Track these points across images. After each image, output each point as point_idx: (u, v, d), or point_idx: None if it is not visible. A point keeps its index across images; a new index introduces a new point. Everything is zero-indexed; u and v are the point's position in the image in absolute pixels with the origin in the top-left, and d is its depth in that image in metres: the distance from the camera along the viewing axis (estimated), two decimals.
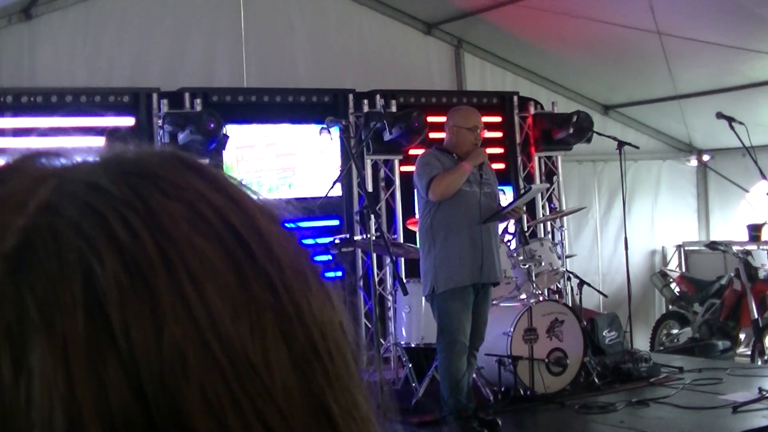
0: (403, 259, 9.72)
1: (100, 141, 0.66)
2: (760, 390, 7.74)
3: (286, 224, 0.65)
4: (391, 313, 9.23)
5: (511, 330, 8.11)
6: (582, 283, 9.34)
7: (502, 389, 8.12)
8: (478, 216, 7.28)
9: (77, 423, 0.52)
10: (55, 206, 0.56)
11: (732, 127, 8.00)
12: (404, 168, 10.31)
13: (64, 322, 0.53)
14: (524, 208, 8.38)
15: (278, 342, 0.58)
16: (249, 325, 0.56)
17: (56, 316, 0.53)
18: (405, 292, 7.42)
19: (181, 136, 8.95)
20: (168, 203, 0.58)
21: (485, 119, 10.90)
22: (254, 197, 0.64)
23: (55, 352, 0.53)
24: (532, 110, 11.51)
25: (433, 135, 9.60)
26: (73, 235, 0.55)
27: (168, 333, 0.54)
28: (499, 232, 8.92)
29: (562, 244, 10.76)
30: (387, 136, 9.94)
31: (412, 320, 8.66)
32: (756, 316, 10.14)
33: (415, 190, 7.63)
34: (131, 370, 0.53)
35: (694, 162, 13.47)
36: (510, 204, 7.87)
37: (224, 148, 9.23)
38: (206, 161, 0.66)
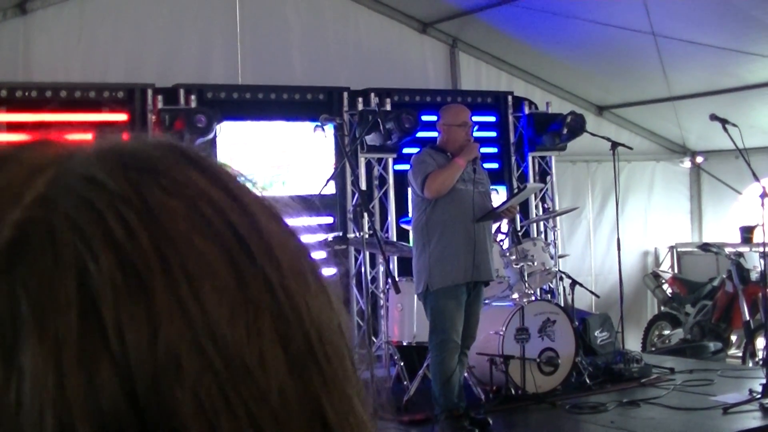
0: (395, 258, 9.73)
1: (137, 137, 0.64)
2: (751, 391, 7.77)
3: (287, 222, 0.64)
4: (383, 311, 9.23)
5: (503, 329, 8.13)
6: (574, 283, 9.36)
7: (494, 388, 8.14)
8: (472, 214, 7.30)
9: (67, 425, 0.51)
10: (51, 200, 0.55)
11: (725, 129, 8.01)
12: (398, 166, 10.32)
13: (57, 322, 0.52)
14: (518, 208, 8.38)
15: (275, 345, 0.56)
16: (246, 328, 0.55)
17: (49, 316, 0.52)
18: (397, 291, 7.43)
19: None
20: (167, 200, 0.56)
21: (479, 119, 10.98)
22: (255, 193, 0.63)
23: (47, 353, 0.51)
24: (526, 110, 11.52)
25: (428, 134, 9.59)
26: (68, 232, 0.54)
27: (162, 335, 0.53)
28: (492, 231, 8.95)
29: (555, 244, 10.78)
30: (379, 139, 9.93)
31: (405, 319, 8.67)
32: (748, 318, 10.17)
33: (410, 189, 7.63)
34: (124, 372, 0.52)
35: (687, 163, 13.50)
36: (504, 202, 7.88)
37: (220, 121, 9.19)
38: (206, 153, 0.64)
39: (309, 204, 8.53)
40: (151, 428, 0.52)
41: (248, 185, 0.63)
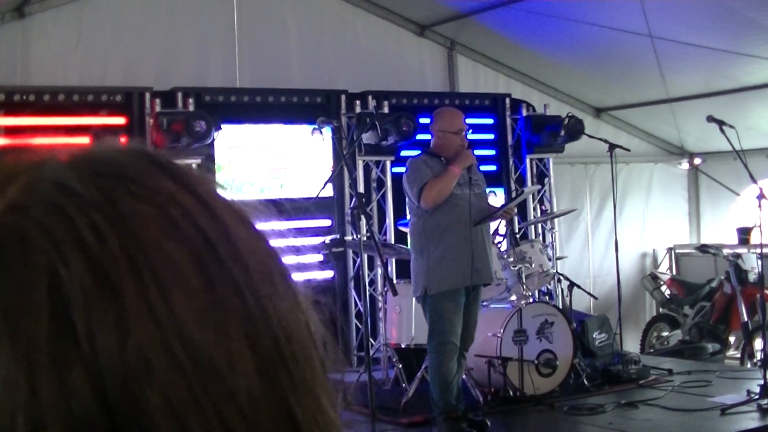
0: (393, 260, 9.73)
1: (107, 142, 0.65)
2: (749, 392, 7.78)
3: (257, 226, 0.64)
4: (381, 314, 9.24)
5: (501, 331, 8.13)
6: (572, 285, 9.35)
7: (492, 390, 8.13)
8: (469, 218, 7.29)
9: (39, 427, 0.51)
10: (23, 206, 0.56)
11: (722, 131, 8.01)
12: (396, 169, 10.32)
13: (28, 326, 0.52)
14: (515, 209, 8.38)
15: (243, 346, 0.57)
16: (214, 330, 0.56)
17: (21, 320, 0.53)
18: (394, 293, 7.42)
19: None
20: (137, 206, 0.57)
21: (477, 121, 11.02)
22: (225, 197, 0.63)
23: (19, 357, 0.52)
24: (524, 112, 11.53)
25: (427, 136, 9.59)
26: (40, 238, 0.54)
27: (132, 338, 0.53)
28: (491, 233, 8.96)
29: (553, 245, 10.78)
30: (375, 138, 9.95)
31: (403, 321, 8.68)
32: (746, 319, 10.17)
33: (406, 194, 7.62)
34: (95, 375, 0.52)
35: (685, 165, 13.50)
36: (501, 206, 7.87)
37: (219, 128, 9.18)
38: (180, 160, 0.65)
39: (302, 207, 8.55)
40: (122, 429, 0.53)
41: (218, 189, 0.64)
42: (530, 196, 11.33)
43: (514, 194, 11.35)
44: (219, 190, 0.64)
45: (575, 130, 10.79)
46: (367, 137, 9.91)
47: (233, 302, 0.58)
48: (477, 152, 10.14)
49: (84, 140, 0.68)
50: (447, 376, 7.22)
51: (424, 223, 7.32)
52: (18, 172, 0.59)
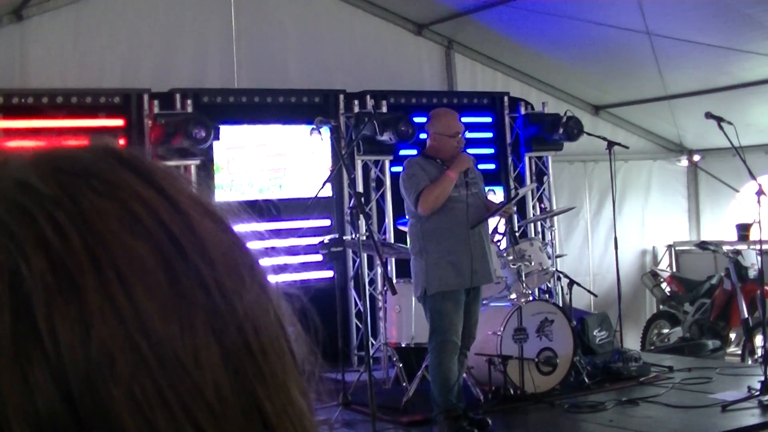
0: (393, 259, 9.73)
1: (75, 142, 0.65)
2: (749, 389, 7.77)
3: (232, 224, 0.64)
4: (381, 313, 9.24)
5: (501, 329, 8.13)
6: (572, 282, 9.35)
7: (492, 389, 8.13)
8: (466, 220, 7.28)
9: (3, 425, 0.51)
10: None
11: (721, 127, 8.01)
12: (395, 168, 10.31)
13: None
14: (514, 208, 8.37)
15: (209, 340, 0.57)
16: (179, 324, 0.56)
17: None
18: (394, 292, 7.42)
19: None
20: (99, 201, 0.57)
21: (475, 119, 11.02)
22: (192, 192, 0.63)
23: None
24: (522, 111, 11.53)
25: (423, 136, 9.59)
26: (0, 236, 0.54)
27: (95, 334, 0.53)
28: (490, 231, 8.95)
29: (552, 244, 10.79)
30: (378, 137, 9.95)
31: (403, 320, 8.68)
32: (746, 316, 10.17)
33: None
34: (58, 372, 0.52)
35: (684, 162, 13.51)
36: (499, 207, 7.81)
37: (217, 138, 9.19)
38: (142, 154, 0.64)
39: (301, 207, 8.54)
40: (87, 426, 0.52)
41: (183, 184, 0.63)
42: (529, 194, 11.33)
43: (512, 194, 11.36)
44: (184, 185, 0.63)
45: (574, 131, 10.79)
46: (366, 131, 9.88)
47: (198, 296, 0.57)
48: (475, 151, 10.20)
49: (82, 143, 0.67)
50: (448, 375, 7.21)
51: (422, 225, 7.31)
52: None
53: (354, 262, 10.16)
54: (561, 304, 9.34)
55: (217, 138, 9.15)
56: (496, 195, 11.04)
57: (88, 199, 0.57)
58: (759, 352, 9.85)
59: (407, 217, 7.66)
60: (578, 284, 9.42)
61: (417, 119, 10.26)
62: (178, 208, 0.60)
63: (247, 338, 0.59)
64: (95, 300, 0.54)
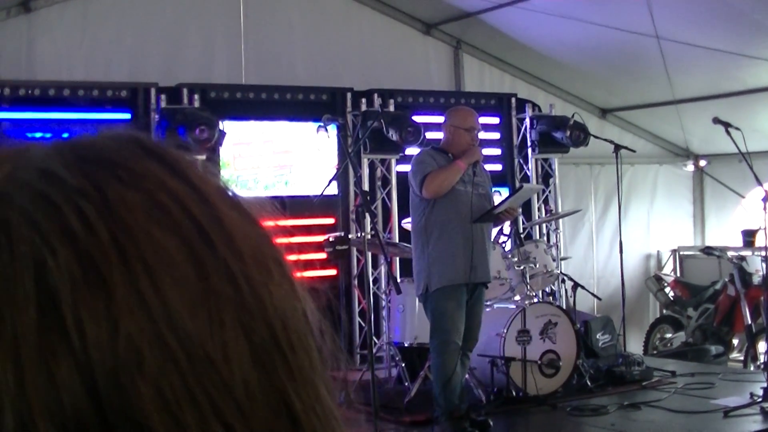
0: (397, 259, 9.73)
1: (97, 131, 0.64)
2: (752, 395, 7.77)
3: (255, 215, 0.63)
4: (385, 312, 9.23)
5: (505, 331, 8.12)
6: (576, 285, 9.33)
7: (495, 390, 8.13)
8: (470, 215, 7.27)
9: (28, 422, 0.50)
10: (6, 195, 0.55)
11: (728, 133, 7.99)
12: (401, 167, 10.32)
13: (15, 319, 0.51)
14: (519, 210, 8.33)
15: (238, 335, 0.56)
16: (208, 319, 0.55)
17: (7, 312, 0.51)
18: (398, 291, 7.42)
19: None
20: (125, 192, 0.56)
21: (483, 120, 10.94)
22: (217, 183, 0.62)
23: (6, 350, 0.51)
24: (529, 112, 11.51)
25: (431, 135, 9.59)
26: (25, 227, 0.53)
27: (123, 329, 0.52)
28: (494, 233, 8.94)
29: (557, 246, 10.77)
30: (385, 135, 9.95)
31: (406, 320, 8.67)
32: (750, 322, 10.14)
33: (410, 189, 7.61)
34: (84, 367, 0.51)
35: (690, 167, 13.49)
36: (501, 203, 7.79)
37: (221, 144, 9.23)
38: (167, 143, 0.63)
39: (307, 205, 8.53)
40: (113, 423, 0.51)
41: (209, 175, 0.62)
42: (534, 197, 11.31)
43: (515, 190, 11.34)
44: (212, 176, 0.62)
45: (580, 136, 10.79)
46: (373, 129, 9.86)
47: (227, 290, 0.56)
48: (482, 151, 10.17)
49: None
50: (449, 375, 7.20)
51: (426, 219, 7.30)
52: (1, 160, 0.58)
53: (358, 260, 10.14)
54: (565, 307, 9.33)
55: (220, 144, 9.16)
56: (501, 196, 11.03)
57: (114, 189, 0.56)
58: (762, 358, 9.83)
59: (411, 214, 7.64)
60: (582, 287, 9.41)
61: (424, 119, 10.27)
62: (206, 199, 0.59)
63: (276, 334, 0.58)
64: (123, 294, 0.52)
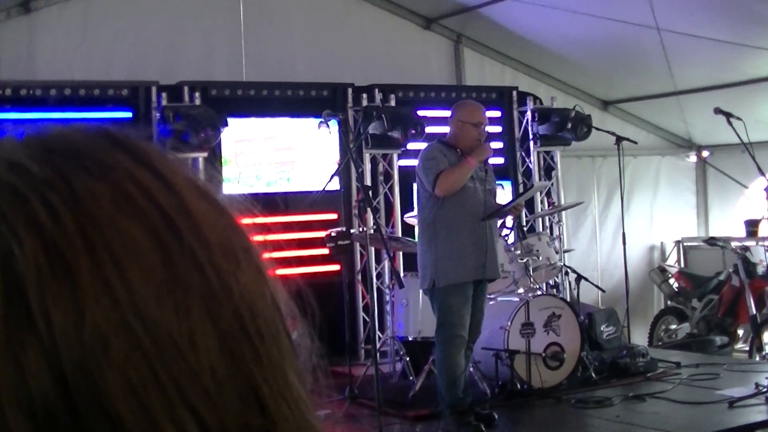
0: (400, 253, 9.73)
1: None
2: (757, 385, 7.75)
3: (219, 201, 0.63)
4: (388, 307, 9.23)
5: (509, 324, 8.11)
6: (580, 277, 9.33)
7: (499, 383, 8.12)
8: (481, 213, 7.31)
9: None
10: None
11: (730, 123, 7.99)
12: (402, 162, 10.32)
13: None
14: (523, 204, 8.36)
15: (205, 322, 0.56)
16: (174, 306, 0.55)
17: None
18: (401, 286, 7.42)
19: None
20: (92, 183, 0.56)
21: None
22: (188, 174, 0.62)
23: None
24: (531, 105, 11.51)
25: (433, 129, 9.59)
26: None
27: (89, 317, 0.52)
28: (497, 226, 8.94)
29: (560, 238, 10.76)
30: (380, 128, 9.93)
31: (410, 314, 8.66)
32: (754, 312, 10.14)
33: (415, 185, 7.60)
34: (52, 356, 0.51)
35: (693, 158, 13.48)
36: (512, 200, 7.85)
37: (226, 125, 9.21)
38: (139, 136, 0.63)
39: (309, 201, 8.52)
40: (81, 410, 0.51)
41: (178, 166, 0.62)
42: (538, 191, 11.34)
43: (521, 189, 11.34)
44: (180, 166, 0.63)
45: (582, 129, 10.79)
46: (372, 127, 9.87)
47: (194, 278, 0.56)
48: None
49: None
50: (455, 369, 7.22)
51: (434, 215, 7.30)
52: None
53: (361, 255, 10.15)
54: (569, 299, 9.33)
55: (225, 124, 9.16)
56: (504, 190, 11.04)
57: (81, 180, 0.56)
58: (766, 348, 9.83)
59: (417, 208, 7.64)
60: (586, 279, 9.41)
61: (425, 113, 10.27)
62: (173, 190, 0.59)
63: (243, 321, 0.58)
64: (89, 282, 0.53)
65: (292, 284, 0.67)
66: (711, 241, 11.24)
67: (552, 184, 11.61)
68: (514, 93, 11.62)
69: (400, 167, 10.41)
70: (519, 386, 8.09)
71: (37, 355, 0.51)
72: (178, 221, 0.58)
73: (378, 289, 9.94)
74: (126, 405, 0.52)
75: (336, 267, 9.51)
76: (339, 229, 9.14)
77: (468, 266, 7.21)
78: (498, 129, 11.44)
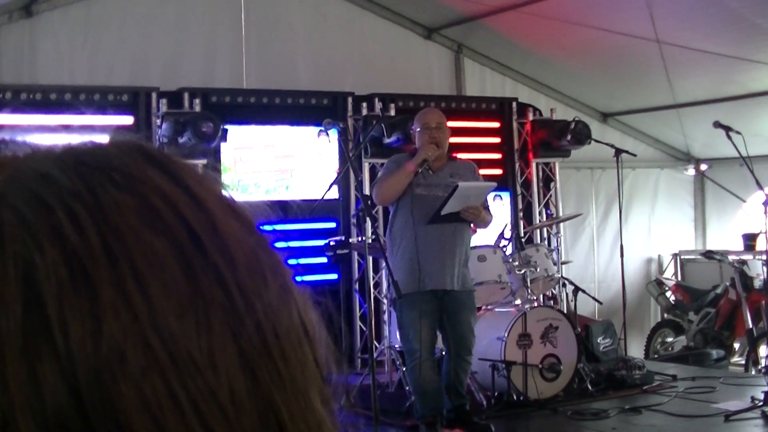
0: None
1: (102, 139, 0.64)
2: (753, 399, 7.76)
3: (258, 225, 0.63)
4: (386, 317, 9.23)
5: (505, 335, 8.11)
6: (577, 289, 9.34)
7: (496, 394, 8.12)
8: (425, 218, 7.07)
9: (9, 420, 0.50)
10: (4, 196, 0.55)
11: (729, 137, 8.01)
12: None
13: (0, 315, 0.51)
14: (480, 208, 7.25)
15: (226, 341, 0.55)
16: (195, 323, 0.54)
17: None
18: (399, 296, 7.39)
19: (182, 140, 8.95)
20: (118, 195, 0.56)
21: (484, 124, 11.02)
22: (218, 190, 0.62)
23: None
24: (530, 116, 11.52)
25: None
26: (16, 226, 0.53)
27: (107, 329, 0.52)
28: (494, 238, 8.94)
29: (558, 250, 10.77)
30: (385, 140, 9.94)
31: None
32: (751, 326, 10.14)
33: None
34: (68, 368, 0.51)
35: (691, 171, 13.49)
36: (442, 205, 7.08)
37: (225, 140, 9.22)
38: (175, 153, 0.64)
39: (308, 209, 8.51)
40: (95, 423, 0.51)
41: (213, 184, 0.62)
42: (535, 201, 11.35)
43: (520, 200, 11.35)
44: (214, 185, 0.62)
45: (582, 135, 10.79)
46: (372, 136, 9.86)
47: (216, 295, 0.56)
48: (483, 156, 10.23)
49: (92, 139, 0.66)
50: (419, 382, 7.13)
51: (390, 225, 7.25)
52: (5, 163, 0.58)
53: (359, 264, 10.15)
54: (566, 311, 9.33)
55: (224, 140, 9.18)
56: (503, 200, 11.05)
57: (107, 192, 0.56)
58: (763, 362, 9.83)
59: None
60: (583, 291, 9.42)
61: None
62: (203, 206, 0.59)
63: (266, 341, 0.57)
64: (108, 294, 0.53)
65: (315, 297, 0.66)
66: (708, 255, 11.25)
67: (550, 195, 11.62)
68: (514, 104, 11.63)
69: None
70: (516, 397, 8.10)
71: (53, 367, 0.51)
72: (203, 237, 0.57)
73: (375, 298, 9.92)
74: (140, 421, 0.52)
75: (334, 276, 9.51)
76: (338, 238, 9.14)
77: (420, 276, 6.98)
78: (497, 140, 11.46)
